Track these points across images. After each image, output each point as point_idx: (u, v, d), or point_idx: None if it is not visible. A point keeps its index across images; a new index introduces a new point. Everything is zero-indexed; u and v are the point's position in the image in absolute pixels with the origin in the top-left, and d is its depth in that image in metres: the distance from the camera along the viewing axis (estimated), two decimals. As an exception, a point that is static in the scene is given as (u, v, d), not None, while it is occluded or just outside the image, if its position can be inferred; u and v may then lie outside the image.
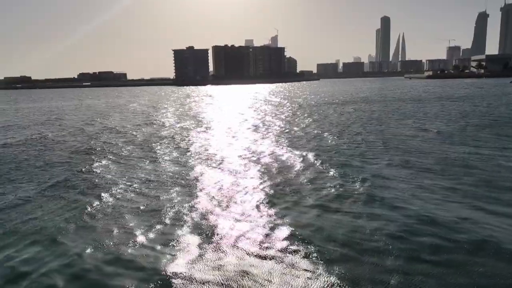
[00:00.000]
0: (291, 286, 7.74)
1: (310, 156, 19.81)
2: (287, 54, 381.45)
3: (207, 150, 22.95)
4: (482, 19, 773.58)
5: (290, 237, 10.02)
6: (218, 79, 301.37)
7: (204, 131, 32.03)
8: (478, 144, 21.50)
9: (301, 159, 19.34)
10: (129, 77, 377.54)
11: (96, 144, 25.71)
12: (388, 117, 37.11)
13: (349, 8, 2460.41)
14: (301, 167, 17.70)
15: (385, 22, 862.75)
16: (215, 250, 9.48)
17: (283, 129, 31.65)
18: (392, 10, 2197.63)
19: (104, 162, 19.84)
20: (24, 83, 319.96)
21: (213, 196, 13.74)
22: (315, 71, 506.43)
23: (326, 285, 7.74)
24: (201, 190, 14.49)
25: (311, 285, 7.75)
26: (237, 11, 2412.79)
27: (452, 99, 58.54)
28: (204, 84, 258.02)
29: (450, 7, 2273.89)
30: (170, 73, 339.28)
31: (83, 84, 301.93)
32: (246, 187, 14.75)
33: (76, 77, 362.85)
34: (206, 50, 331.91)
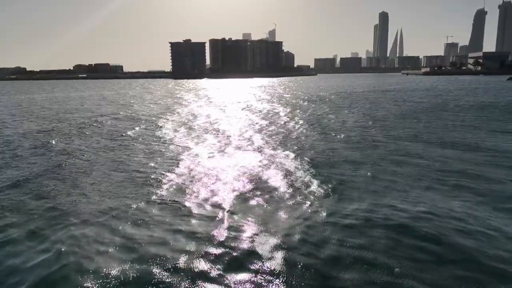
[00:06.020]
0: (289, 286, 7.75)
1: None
2: (285, 48, 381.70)
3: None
4: (480, 16, 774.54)
5: (288, 237, 9.85)
6: (215, 72, 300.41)
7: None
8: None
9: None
10: (125, 69, 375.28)
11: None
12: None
13: (347, 3, 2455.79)
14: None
15: (384, 17, 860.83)
16: (209, 245, 9.40)
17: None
18: (390, 5, 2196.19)
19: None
20: (19, 74, 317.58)
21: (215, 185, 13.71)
22: (312, 65, 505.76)
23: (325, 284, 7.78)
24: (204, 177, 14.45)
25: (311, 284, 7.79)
26: (235, 4, 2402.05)
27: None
28: (201, 78, 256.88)
29: (448, 4, 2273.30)
30: (167, 66, 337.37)
31: (79, 76, 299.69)
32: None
33: (71, 69, 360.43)
34: (203, 43, 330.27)
